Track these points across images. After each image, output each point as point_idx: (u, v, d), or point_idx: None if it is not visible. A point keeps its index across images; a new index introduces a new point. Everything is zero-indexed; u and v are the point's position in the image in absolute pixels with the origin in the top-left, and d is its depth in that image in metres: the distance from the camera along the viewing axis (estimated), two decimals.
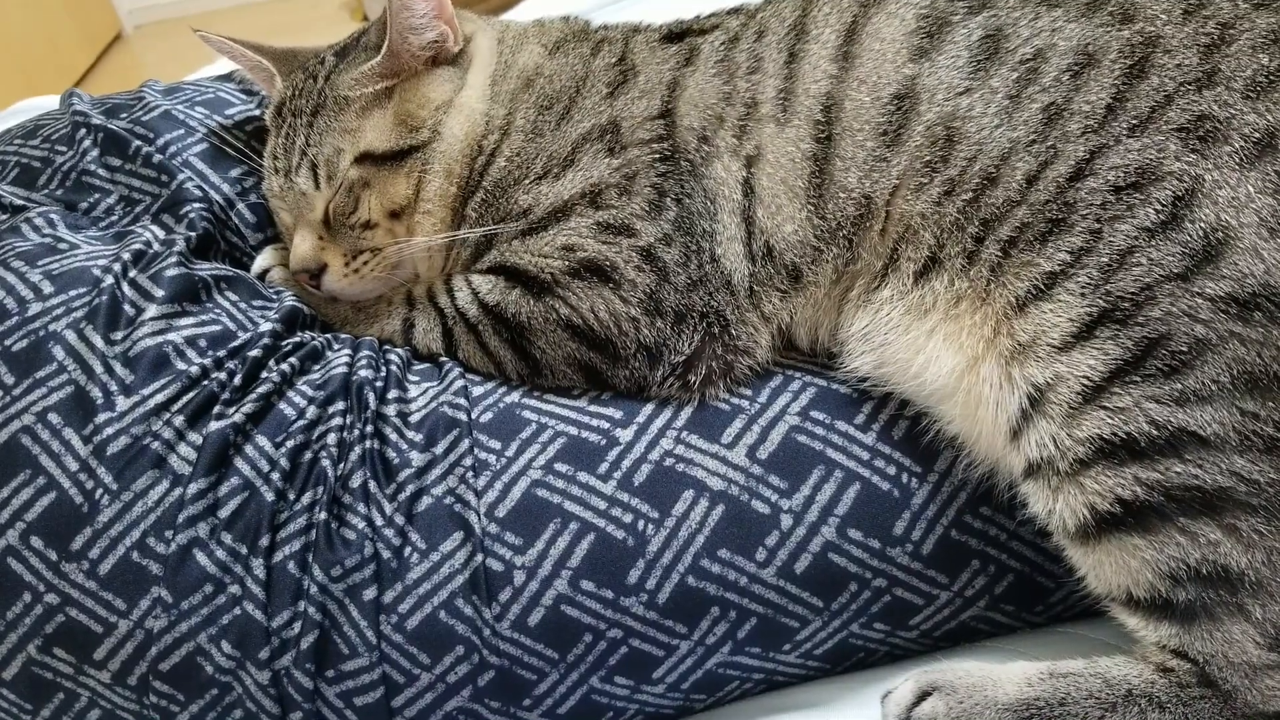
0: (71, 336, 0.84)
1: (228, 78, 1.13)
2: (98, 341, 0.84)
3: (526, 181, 0.91)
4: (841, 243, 0.83)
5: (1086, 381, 0.73)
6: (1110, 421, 0.72)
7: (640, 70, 0.92)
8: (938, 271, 0.80)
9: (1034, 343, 0.75)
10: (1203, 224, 0.71)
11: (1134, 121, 0.76)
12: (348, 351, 0.91)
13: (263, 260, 1.01)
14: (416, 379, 0.90)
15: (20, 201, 0.99)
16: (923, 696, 0.77)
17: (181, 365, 0.85)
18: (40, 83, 3.16)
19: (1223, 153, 0.72)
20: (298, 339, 0.91)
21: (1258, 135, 0.72)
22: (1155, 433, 0.71)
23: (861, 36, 0.86)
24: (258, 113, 1.07)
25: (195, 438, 0.82)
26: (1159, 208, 0.73)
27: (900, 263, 0.81)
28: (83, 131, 1.02)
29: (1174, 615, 0.72)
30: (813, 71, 0.87)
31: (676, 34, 0.95)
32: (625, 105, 0.90)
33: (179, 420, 0.82)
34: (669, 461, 0.82)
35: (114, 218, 0.98)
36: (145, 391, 0.83)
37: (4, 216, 0.98)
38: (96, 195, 0.99)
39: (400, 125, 0.93)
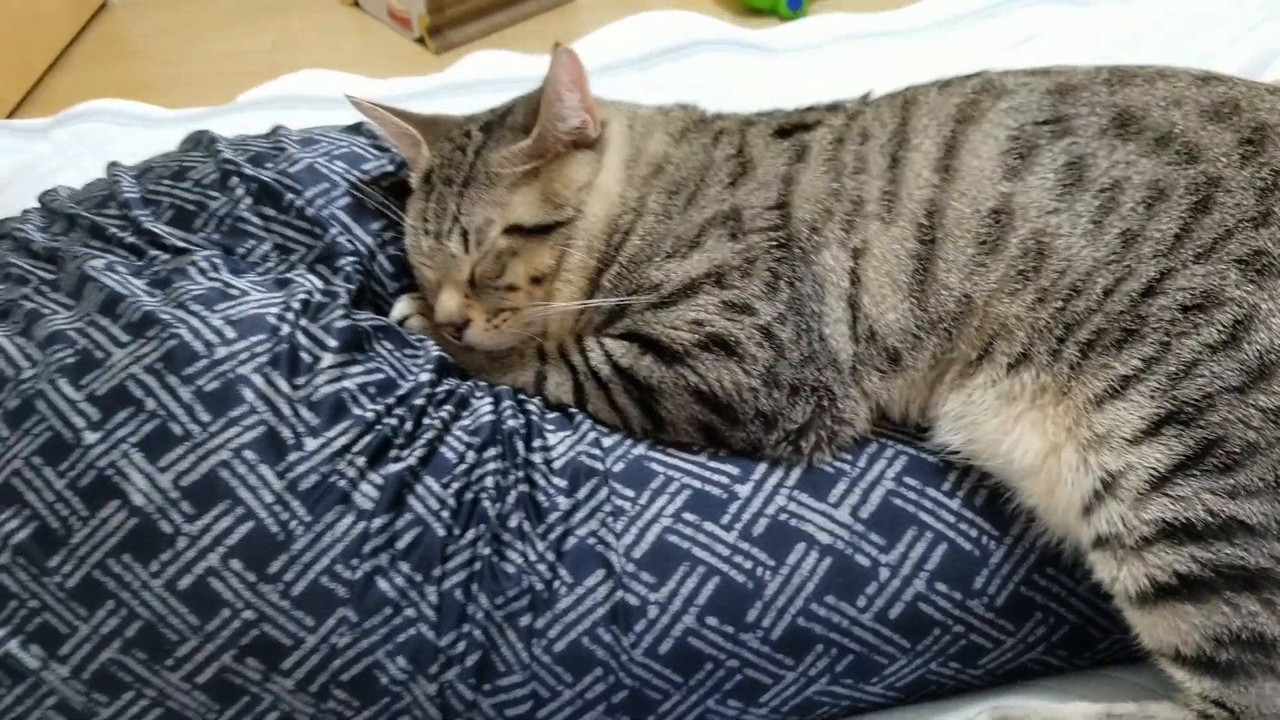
0: (259, 381, 0.95)
1: (355, 130, 1.23)
2: (283, 386, 0.95)
3: (657, 259, 1.03)
4: (941, 333, 0.97)
5: (1153, 472, 0.87)
6: (1172, 507, 0.86)
7: (758, 164, 1.05)
8: (1027, 365, 0.93)
9: (1109, 435, 0.89)
10: (1258, 346, 0.86)
11: (1199, 250, 0.90)
12: (490, 400, 1.03)
13: (401, 308, 1.12)
14: (553, 428, 1.02)
15: (181, 244, 1.09)
16: None
17: (358, 411, 0.96)
18: (27, 52, 3.16)
19: (1277, 285, 0.87)
20: (448, 386, 1.03)
21: None
22: (1210, 519, 0.85)
23: (960, 152, 0.99)
24: (390, 169, 1.18)
25: (376, 478, 0.94)
26: (1221, 328, 0.87)
27: (994, 354, 0.95)
28: (235, 180, 1.12)
29: (1216, 672, 0.86)
30: (915, 179, 1.00)
31: (786, 130, 1.08)
32: (745, 195, 1.03)
33: (360, 461, 0.94)
34: (783, 516, 0.96)
35: (270, 264, 1.08)
36: (329, 434, 0.94)
37: (167, 257, 1.08)
38: (252, 242, 1.09)
39: (546, 202, 1.05)
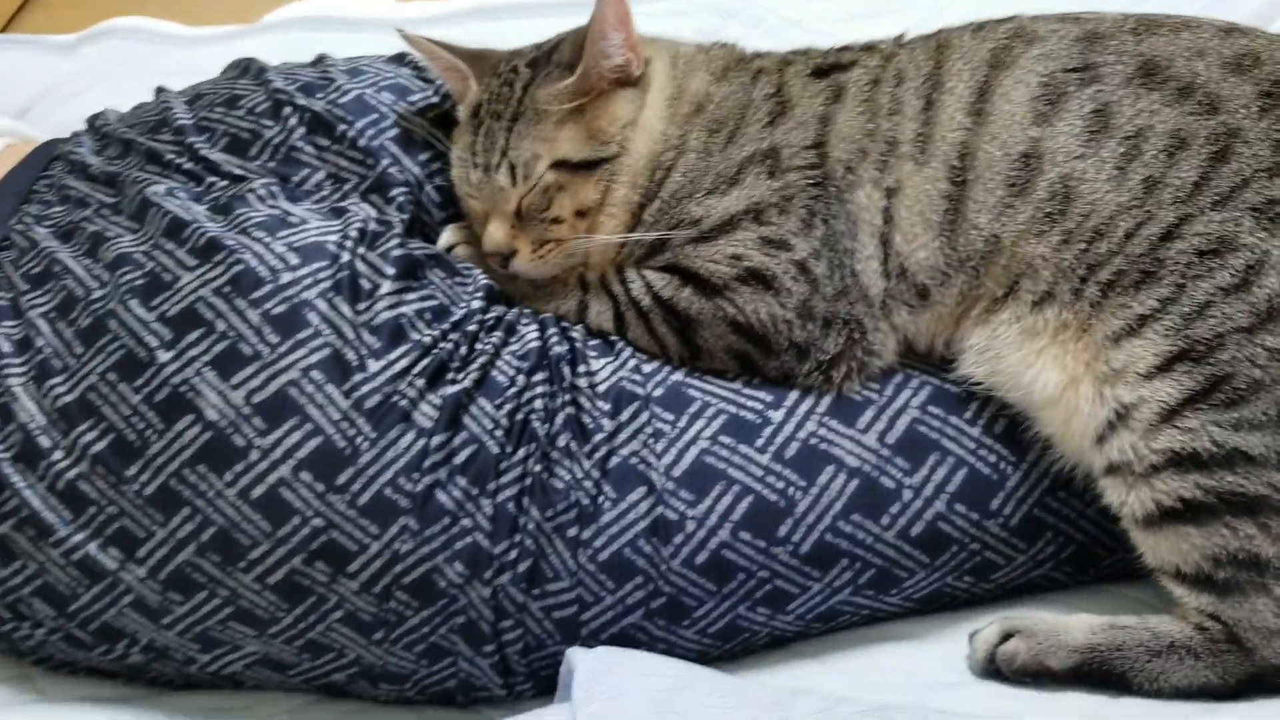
0: (323, 305, 1.00)
1: (399, 60, 1.27)
2: (346, 311, 1.01)
3: (698, 195, 1.08)
4: (969, 271, 1.02)
5: (1164, 405, 0.93)
6: (1180, 438, 0.92)
7: (796, 104, 1.09)
8: (1050, 303, 0.99)
9: (1124, 370, 0.95)
10: (1268, 290, 0.92)
11: (1216, 198, 0.95)
12: (535, 326, 1.09)
13: (448, 237, 1.17)
14: (596, 354, 1.08)
15: (238, 171, 1.13)
16: (1005, 637, 0.99)
17: (415, 336, 1.02)
18: None
19: None
20: (496, 313, 1.09)
21: None
22: (1215, 449, 0.92)
23: (992, 97, 1.04)
24: (435, 100, 1.22)
25: (434, 398, 1.00)
26: (1233, 273, 0.93)
27: (1020, 292, 1.01)
28: (288, 109, 1.16)
29: (1213, 588, 0.93)
30: (948, 121, 1.04)
31: (823, 70, 1.12)
32: (784, 134, 1.08)
33: (419, 383, 1.00)
34: (814, 441, 1.02)
35: (324, 193, 1.12)
36: (390, 357, 1.00)
37: (224, 184, 1.13)
38: (306, 171, 1.13)
39: (592, 139, 1.09)
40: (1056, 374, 0.98)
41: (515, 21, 1.78)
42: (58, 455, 1.00)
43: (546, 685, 1.01)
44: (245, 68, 1.26)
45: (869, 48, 1.15)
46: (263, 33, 1.85)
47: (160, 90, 1.30)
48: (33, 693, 1.11)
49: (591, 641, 1.01)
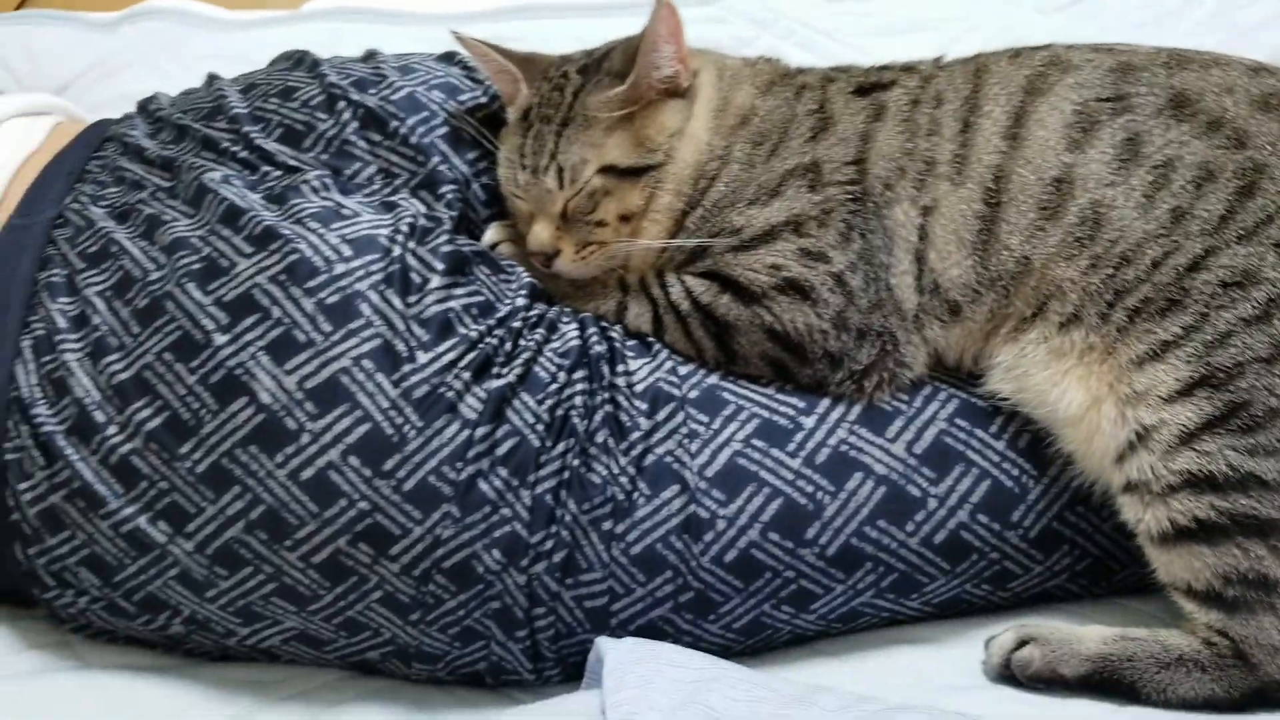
0: (375, 297, 1.04)
1: (448, 59, 1.30)
2: (396, 303, 1.04)
3: (740, 205, 1.12)
4: (999, 290, 1.06)
5: (1183, 429, 0.97)
6: (1198, 461, 0.96)
7: (838, 120, 1.13)
8: (1076, 325, 1.03)
9: (1146, 393, 0.99)
10: None
11: (1241, 231, 0.99)
12: (576, 325, 1.12)
13: (492, 235, 1.20)
14: (633, 355, 1.11)
15: (292, 162, 1.17)
16: (1021, 644, 1.02)
17: (463, 330, 1.05)
18: None
19: None
20: (539, 311, 1.12)
21: None
22: (1230, 473, 0.95)
23: (1028, 122, 1.07)
24: (484, 100, 1.25)
25: (479, 391, 1.03)
26: (1255, 305, 0.97)
27: (1048, 313, 1.05)
28: (342, 104, 1.19)
29: (1222, 605, 0.97)
30: (985, 144, 1.08)
31: (865, 88, 1.16)
32: (825, 149, 1.11)
33: (466, 375, 1.03)
34: (844, 448, 1.06)
35: (374, 187, 1.16)
36: (438, 350, 1.03)
37: (279, 173, 1.16)
38: (358, 165, 1.17)
39: (639, 146, 1.13)
40: (1081, 394, 1.02)
41: (554, 21, 1.82)
42: (112, 430, 1.04)
43: (574, 672, 1.05)
44: (299, 59, 1.29)
45: (909, 68, 1.19)
46: (302, 20, 1.88)
47: (213, 77, 1.33)
48: (73, 659, 1.14)
49: (620, 631, 1.05)
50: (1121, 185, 1.03)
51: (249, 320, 1.03)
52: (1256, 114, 1.04)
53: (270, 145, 1.18)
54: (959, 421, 1.08)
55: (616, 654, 0.93)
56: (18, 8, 2.03)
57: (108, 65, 1.84)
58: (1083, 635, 1.02)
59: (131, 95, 1.68)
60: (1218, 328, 0.98)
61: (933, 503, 1.05)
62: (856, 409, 1.08)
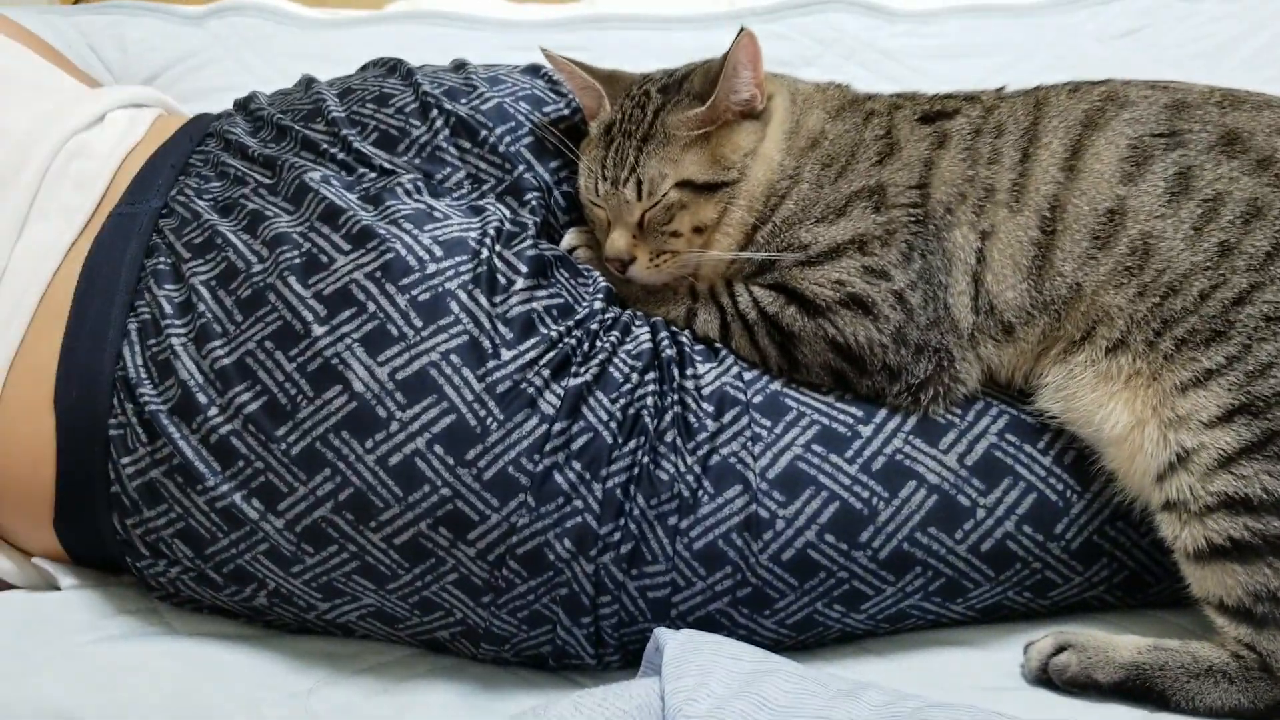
0: (464, 296, 1.11)
1: (533, 72, 1.37)
2: (484, 302, 1.11)
3: (808, 222, 1.18)
4: (1051, 313, 1.12)
5: (1222, 453, 1.03)
6: (1235, 484, 1.02)
7: (903, 146, 1.19)
8: (1124, 350, 1.09)
9: (1188, 417, 1.04)
10: None
11: None
12: (648, 329, 1.19)
13: (570, 239, 1.27)
14: (701, 359, 1.18)
15: (387, 165, 1.24)
16: (1059, 650, 1.08)
17: (544, 330, 1.12)
18: None
19: None
20: (613, 314, 1.19)
21: None
22: (1265, 496, 1.01)
23: (1085, 155, 1.13)
24: (567, 113, 1.32)
25: (558, 389, 1.10)
26: None
27: (1096, 338, 1.10)
28: (435, 112, 1.26)
29: (1252, 621, 1.03)
30: (1042, 174, 1.14)
31: (930, 116, 1.22)
32: (890, 173, 1.17)
33: (545, 373, 1.10)
34: (899, 457, 1.12)
35: (463, 191, 1.23)
36: (521, 348, 1.10)
37: (374, 175, 1.23)
38: (448, 170, 1.24)
39: (715, 163, 1.19)
40: (1125, 416, 1.08)
41: (620, 32, 1.90)
42: (213, 412, 1.11)
43: (633, 659, 1.11)
44: (393, 67, 1.36)
45: (972, 98, 1.24)
46: (383, 22, 1.96)
47: (310, 80, 1.40)
48: (160, 625, 1.21)
49: (679, 623, 1.11)
50: (1171, 218, 1.09)
51: (346, 313, 1.10)
52: None
53: (367, 148, 1.25)
54: (1009, 436, 1.14)
55: (676, 644, 0.99)
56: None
57: (196, 58, 1.92)
58: (1118, 644, 1.08)
59: (217, 88, 1.78)
60: (1259, 359, 1.03)
61: (981, 512, 1.11)
62: (912, 420, 1.14)
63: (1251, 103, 1.15)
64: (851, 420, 1.14)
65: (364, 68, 1.43)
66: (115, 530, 1.15)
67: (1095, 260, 1.10)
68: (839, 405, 1.15)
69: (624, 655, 1.14)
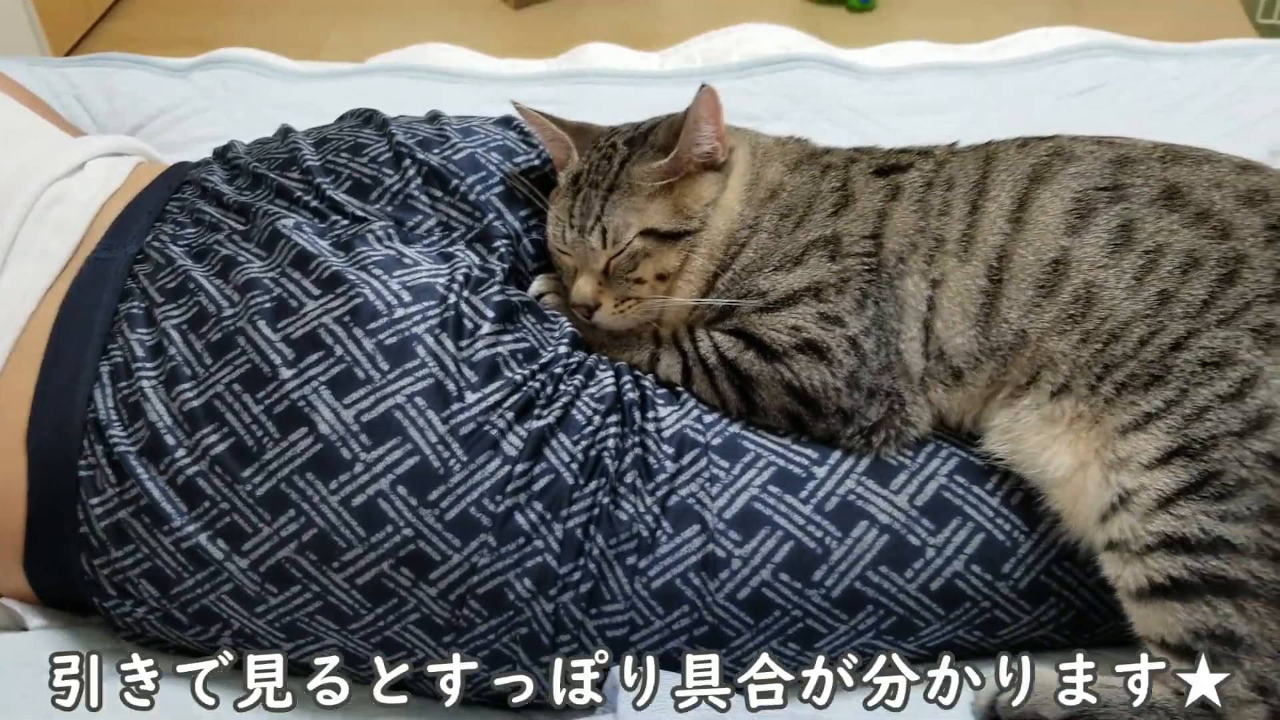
0: (430, 340, 1.14)
1: (505, 123, 1.42)
2: (450, 346, 1.14)
3: (766, 270, 1.22)
4: (998, 359, 1.16)
5: (1161, 494, 1.06)
6: (1173, 524, 1.05)
7: (858, 198, 1.23)
8: (1067, 394, 1.12)
9: (1129, 459, 1.08)
10: (1259, 401, 1.05)
11: (1221, 316, 1.08)
12: (612, 373, 1.22)
13: (538, 286, 1.31)
14: (663, 402, 1.21)
15: (359, 212, 1.28)
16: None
17: (509, 374, 1.15)
18: None
19: None
20: (578, 358, 1.23)
21: None
22: (1203, 536, 1.04)
23: (1031, 207, 1.17)
24: (537, 163, 1.36)
25: (521, 431, 1.13)
26: (1230, 383, 1.06)
27: (1040, 382, 1.14)
28: (408, 161, 1.30)
29: (1192, 658, 1.05)
30: (990, 225, 1.18)
31: (884, 170, 1.26)
32: (845, 224, 1.22)
33: (509, 415, 1.13)
34: (851, 497, 1.15)
35: (434, 239, 1.27)
36: (485, 391, 1.13)
37: (346, 222, 1.27)
38: (420, 218, 1.28)
39: (678, 213, 1.23)
40: (1069, 458, 1.11)
41: (596, 87, 1.95)
42: (181, 453, 1.13)
43: None
44: (369, 118, 1.41)
45: (925, 152, 1.29)
46: (365, 74, 2.01)
47: (287, 130, 1.44)
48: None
49: None
50: (1114, 268, 1.13)
51: (314, 356, 1.13)
52: (1241, 208, 1.13)
53: (340, 196, 1.29)
54: (958, 478, 1.17)
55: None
56: (68, 52, 2.15)
57: (181, 109, 1.98)
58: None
59: (203, 139, 1.82)
60: (1196, 402, 1.06)
61: (931, 552, 1.14)
62: (865, 462, 1.18)
63: (1192, 158, 1.19)
64: (807, 462, 1.17)
65: (341, 118, 1.47)
66: (83, 570, 1.17)
67: (1040, 308, 1.14)
68: (795, 447, 1.19)
69: None
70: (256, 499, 1.11)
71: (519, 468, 1.12)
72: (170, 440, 1.14)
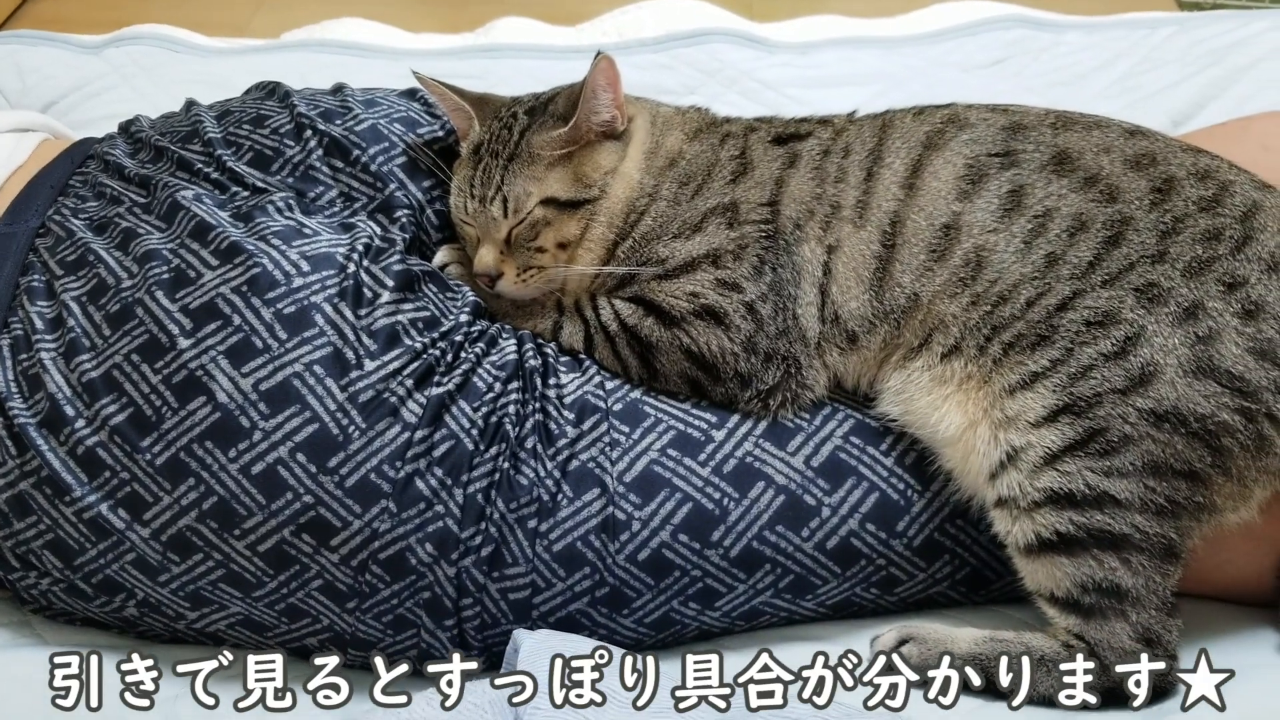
0: (329, 309, 1.14)
1: (410, 95, 1.42)
2: (348, 315, 1.14)
3: (665, 238, 1.23)
4: (891, 322, 1.18)
5: (1047, 451, 1.08)
6: (1059, 480, 1.08)
7: (756, 166, 1.24)
8: (957, 355, 1.15)
9: (1016, 418, 1.10)
10: (1141, 359, 1.07)
11: (1106, 277, 1.11)
12: (514, 341, 1.23)
13: (442, 256, 1.31)
14: (565, 369, 1.22)
15: (260, 184, 1.27)
16: (901, 642, 1.13)
17: (408, 342, 1.16)
18: None
19: (1162, 312, 1.08)
20: (480, 327, 1.23)
21: (1187, 305, 1.08)
22: (1088, 491, 1.07)
23: (924, 173, 1.19)
24: (441, 134, 1.36)
25: (420, 398, 1.13)
26: (1114, 342, 1.09)
27: (932, 344, 1.16)
28: (309, 133, 1.30)
29: (1079, 611, 1.08)
30: (884, 192, 1.20)
31: (782, 138, 1.27)
32: (743, 191, 1.23)
33: (409, 383, 1.14)
34: (749, 459, 1.17)
35: (335, 209, 1.26)
36: (384, 359, 1.14)
37: (247, 194, 1.27)
38: (321, 189, 1.27)
39: (578, 181, 1.24)
40: (959, 417, 1.14)
41: (513, 61, 1.95)
42: (80, 424, 1.13)
43: (497, 661, 1.13)
44: (272, 90, 1.40)
45: (824, 121, 1.31)
46: (279, 50, 2.00)
47: (191, 103, 1.43)
48: (32, 637, 1.23)
49: (540, 623, 1.14)
50: (1003, 232, 1.15)
51: (211, 326, 1.13)
52: (1129, 172, 1.16)
53: (241, 168, 1.28)
54: (853, 439, 1.19)
55: (531, 643, 1.04)
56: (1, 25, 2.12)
57: (93, 86, 1.95)
58: (957, 636, 1.12)
59: (115, 115, 1.80)
60: (1080, 361, 1.09)
61: (826, 511, 1.16)
62: (762, 425, 1.19)
63: (1083, 124, 1.22)
64: (705, 425, 1.19)
65: (246, 91, 1.46)
66: None
67: (932, 272, 1.16)
68: (694, 412, 1.20)
69: (489, 658, 1.16)
70: (156, 468, 1.11)
71: (419, 434, 1.12)
72: (70, 411, 1.13)
